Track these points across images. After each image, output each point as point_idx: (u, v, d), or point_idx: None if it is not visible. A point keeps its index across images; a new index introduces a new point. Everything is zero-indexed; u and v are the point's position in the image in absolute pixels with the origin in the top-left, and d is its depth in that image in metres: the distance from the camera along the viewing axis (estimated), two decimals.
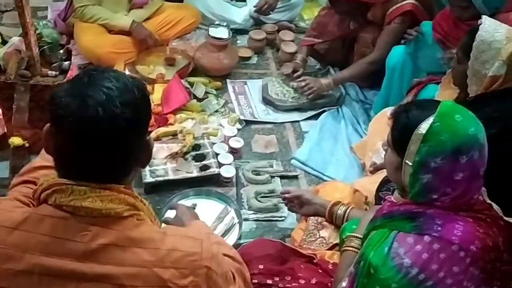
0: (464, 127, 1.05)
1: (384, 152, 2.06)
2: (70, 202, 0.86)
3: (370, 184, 1.86)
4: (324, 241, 1.62)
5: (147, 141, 0.94)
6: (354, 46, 2.59)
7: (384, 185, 1.82)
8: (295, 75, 2.55)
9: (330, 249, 1.58)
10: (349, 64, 2.60)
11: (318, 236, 1.64)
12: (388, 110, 2.18)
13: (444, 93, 1.73)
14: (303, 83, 2.48)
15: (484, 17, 1.55)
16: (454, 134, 1.04)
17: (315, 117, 2.49)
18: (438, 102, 1.12)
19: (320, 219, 1.68)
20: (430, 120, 1.06)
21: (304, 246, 1.61)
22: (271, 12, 2.90)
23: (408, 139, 1.09)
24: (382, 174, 1.88)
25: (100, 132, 0.84)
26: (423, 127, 1.06)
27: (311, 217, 1.69)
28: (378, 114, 2.24)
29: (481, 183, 1.10)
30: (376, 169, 1.96)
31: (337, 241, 1.50)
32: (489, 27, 1.50)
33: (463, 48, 1.58)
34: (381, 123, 2.16)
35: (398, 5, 2.32)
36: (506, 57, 1.46)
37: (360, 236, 1.32)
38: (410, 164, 1.09)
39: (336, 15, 2.59)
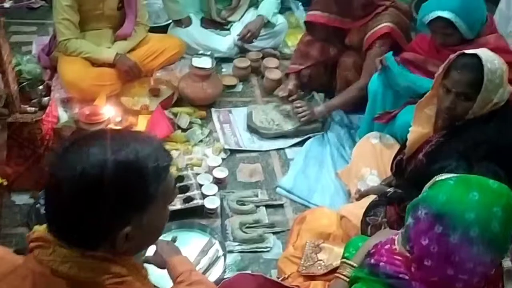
0: (466, 205, 0.94)
1: (369, 179, 2.08)
2: (49, 263, 0.83)
3: (356, 209, 1.85)
4: (323, 264, 1.60)
5: (142, 221, 0.85)
6: (336, 71, 2.61)
7: (371, 210, 1.80)
8: (290, 98, 2.57)
9: (330, 272, 1.54)
10: (332, 89, 2.63)
11: (316, 260, 1.62)
12: (371, 136, 2.19)
13: (417, 129, 1.71)
14: (298, 104, 2.50)
15: (480, 49, 1.54)
16: (450, 201, 0.96)
17: (301, 143, 2.48)
18: (497, 178, 1.05)
19: (317, 241, 1.67)
20: (450, 175, 1.03)
21: (303, 271, 1.59)
22: (254, 40, 2.93)
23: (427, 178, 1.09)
24: (369, 199, 1.87)
25: (70, 201, 0.81)
26: (442, 177, 1.04)
27: (308, 241, 1.67)
28: (361, 139, 2.24)
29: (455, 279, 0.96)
30: (361, 196, 1.95)
31: (338, 262, 1.46)
32: (488, 57, 1.50)
33: (472, 85, 1.50)
34: (364, 149, 2.17)
35: (375, 29, 2.34)
36: (506, 82, 1.49)
37: (354, 265, 1.29)
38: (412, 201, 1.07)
39: (316, 42, 2.63)
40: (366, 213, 1.79)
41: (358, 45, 2.44)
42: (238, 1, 3.02)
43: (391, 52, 2.13)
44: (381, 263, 1.07)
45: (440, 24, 1.89)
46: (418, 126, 1.68)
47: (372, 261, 1.10)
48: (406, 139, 1.75)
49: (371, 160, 2.11)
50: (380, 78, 2.18)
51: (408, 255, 1.03)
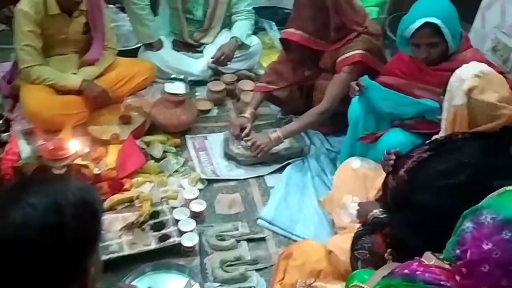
0: None
1: (351, 207, 2.00)
2: None
3: (343, 243, 1.76)
4: None
5: (85, 269, 0.79)
6: (313, 94, 2.54)
7: (356, 242, 1.72)
8: (243, 134, 2.42)
9: None
10: None
11: None
12: (352, 161, 2.11)
13: None
14: (249, 143, 2.35)
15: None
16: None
17: (280, 170, 2.38)
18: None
19: (308, 281, 1.57)
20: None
21: None
22: (229, 62, 2.83)
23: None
24: (355, 229, 1.78)
25: (9, 257, 0.70)
26: (510, 187, 1.01)
27: (298, 280, 1.57)
28: (342, 165, 2.15)
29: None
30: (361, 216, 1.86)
31: None
32: (467, 67, 1.49)
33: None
34: (345, 175, 2.09)
35: (346, 55, 2.27)
36: (467, 89, 1.42)
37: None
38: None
39: (290, 62, 2.55)
40: (353, 247, 1.71)
41: (332, 69, 2.38)
42: (210, 23, 2.93)
43: (366, 76, 2.07)
44: (418, 272, 1.02)
45: (426, 32, 1.83)
46: None
47: (406, 271, 1.04)
48: None
49: (352, 187, 2.03)
50: (360, 102, 2.11)
51: (448, 266, 0.99)
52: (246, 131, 2.42)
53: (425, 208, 1.48)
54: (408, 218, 1.55)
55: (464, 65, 1.49)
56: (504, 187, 1.04)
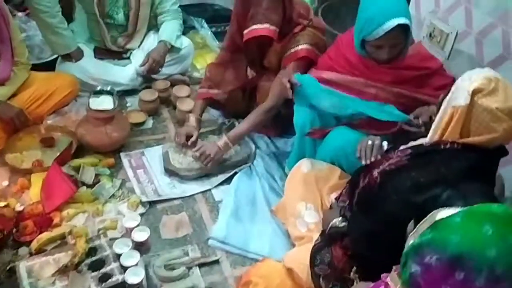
0: (484, 242, 0.84)
1: (307, 215, 1.89)
2: None
3: (301, 258, 1.66)
4: None
5: None
6: (256, 96, 2.40)
7: (315, 256, 1.61)
8: (189, 142, 2.25)
9: None
10: None
11: None
12: (302, 164, 2.00)
13: None
14: (197, 153, 2.19)
15: None
16: (465, 242, 0.84)
17: (228, 181, 2.23)
18: (486, 196, 0.98)
19: None
20: (455, 211, 0.90)
21: None
22: (160, 69, 2.61)
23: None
24: (311, 243, 1.68)
25: None
26: (442, 214, 0.91)
27: None
28: (292, 170, 2.04)
29: None
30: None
31: None
32: (481, 70, 1.35)
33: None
34: (296, 181, 1.98)
35: (292, 50, 2.16)
36: (473, 89, 1.28)
37: None
38: (409, 242, 0.93)
39: (231, 63, 2.39)
40: (312, 263, 1.60)
41: (276, 68, 2.25)
42: (134, 27, 2.68)
43: (298, 73, 1.95)
44: None
45: (397, 33, 1.71)
46: None
47: None
48: None
49: (305, 193, 1.93)
50: (299, 103, 1.98)
51: None
52: (192, 139, 2.26)
53: (388, 218, 1.37)
54: (368, 227, 1.45)
55: (478, 68, 1.36)
56: (432, 214, 0.95)
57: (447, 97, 1.35)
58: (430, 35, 2.38)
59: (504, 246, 0.84)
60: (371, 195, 1.45)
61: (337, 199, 1.72)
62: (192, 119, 2.32)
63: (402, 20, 1.69)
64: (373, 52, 1.80)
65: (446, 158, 1.31)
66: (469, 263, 0.83)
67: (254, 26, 2.08)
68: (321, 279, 1.57)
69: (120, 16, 2.63)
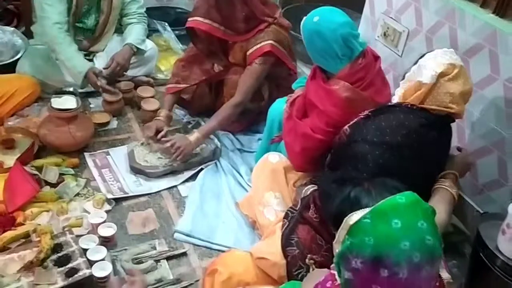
0: (396, 237, 0.89)
1: (276, 203, 1.93)
2: None
3: (270, 246, 1.68)
4: None
5: None
6: (222, 90, 2.45)
7: (286, 241, 1.64)
8: (158, 136, 2.28)
9: None
10: (216, 109, 2.41)
11: None
12: (270, 155, 2.04)
13: None
14: (168, 144, 2.22)
15: None
16: (380, 241, 0.89)
17: (193, 177, 2.26)
18: (396, 190, 0.99)
19: None
20: (363, 213, 0.93)
21: None
22: (125, 73, 2.61)
23: (341, 218, 0.99)
24: (278, 233, 1.71)
25: None
26: (354, 218, 0.94)
27: None
28: (260, 161, 2.08)
29: None
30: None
31: None
32: (447, 51, 1.60)
33: None
34: (264, 171, 2.01)
35: (256, 46, 2.25)
36: (440, 71, 1.50)
37: None
38: (336, 251, 0.98)
39: (198, 57, 2.44)
40: (283, 245, 1.64)
41: (242, 63, 2.32)
42: (102, 31, 2.68)
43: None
44: None
45: None
46: None
47: None
48: None
49: (273, 183, 1.96)
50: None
51: None
52: (162, 133, 2.29)
53: (359, 158, 1.52)
54: (338, 176, 1.52)
55: (444, 49, 1.57)
56: (345, 220, 0.99)
57: (412, 69, 1.58)
58: (385, 34, 2.51)
59: (415, 235, 0.89)
60: (343, 146, 1.64)
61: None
62: (162, 113, 2.36)
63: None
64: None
65: (406, 112, 1.54)
66: (388, 260, 0.88)
67: (197, 18, 2.23)
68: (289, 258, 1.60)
69: (90, 21, 2.63)
